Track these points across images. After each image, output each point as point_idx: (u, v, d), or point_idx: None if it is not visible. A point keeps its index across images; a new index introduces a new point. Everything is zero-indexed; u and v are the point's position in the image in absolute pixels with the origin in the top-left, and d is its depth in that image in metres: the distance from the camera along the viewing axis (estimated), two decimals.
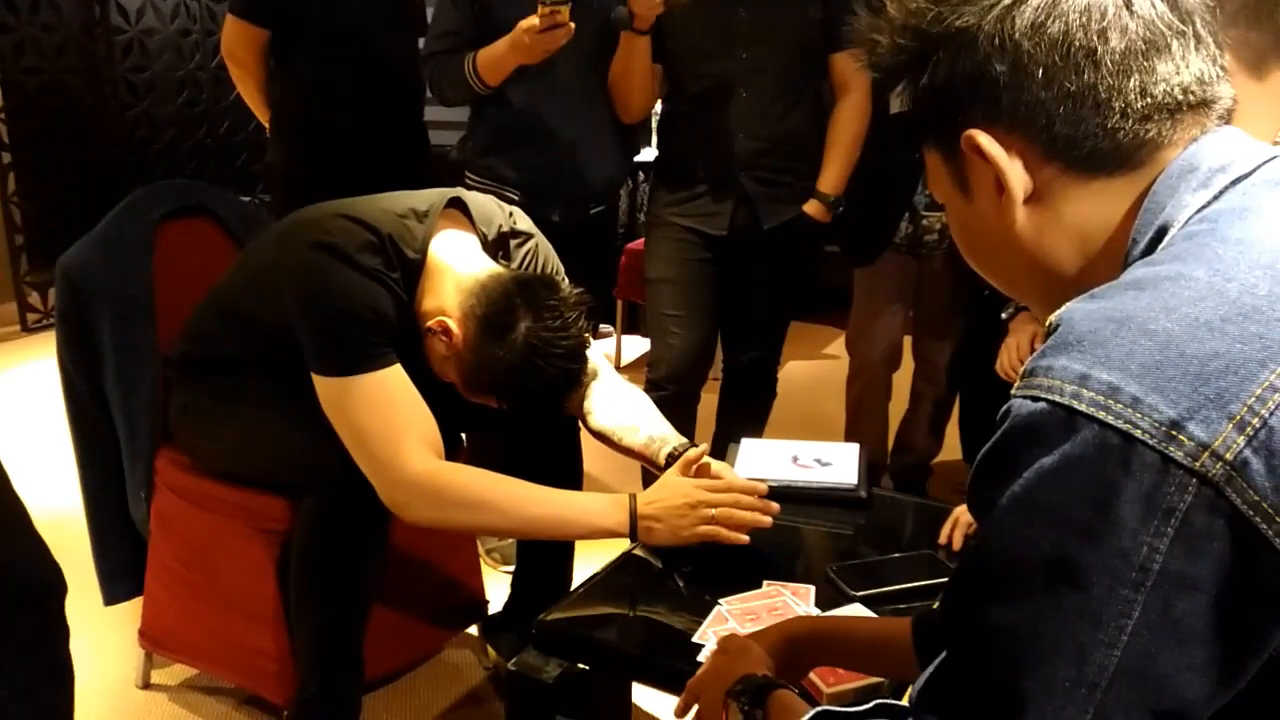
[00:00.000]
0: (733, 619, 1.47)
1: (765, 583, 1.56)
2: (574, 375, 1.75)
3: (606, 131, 2.64)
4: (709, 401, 2.94)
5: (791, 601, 1.52)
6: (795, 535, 1.77)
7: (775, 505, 1.68)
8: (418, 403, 1.73)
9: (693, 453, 1.74)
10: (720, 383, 2.89)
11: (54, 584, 1.44)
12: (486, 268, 1.79)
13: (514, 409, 1.78)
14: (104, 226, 2.14)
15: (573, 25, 2.32)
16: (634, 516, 1.65)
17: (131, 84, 5.01)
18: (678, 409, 2.63)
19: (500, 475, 1.74)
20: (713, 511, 1.63)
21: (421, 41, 2.78)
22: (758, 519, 1.65)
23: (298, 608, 1.83)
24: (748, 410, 2.84)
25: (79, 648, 1.48)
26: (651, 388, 2.66)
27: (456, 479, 1.72)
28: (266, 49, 2.86)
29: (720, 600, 1.51)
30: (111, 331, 2.05)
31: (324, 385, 1.73)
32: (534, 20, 2.31)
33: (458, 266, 1.78)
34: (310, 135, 2.86)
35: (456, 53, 2.52)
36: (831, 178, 2.59)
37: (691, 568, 1.63)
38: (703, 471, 1.72)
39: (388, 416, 1.70)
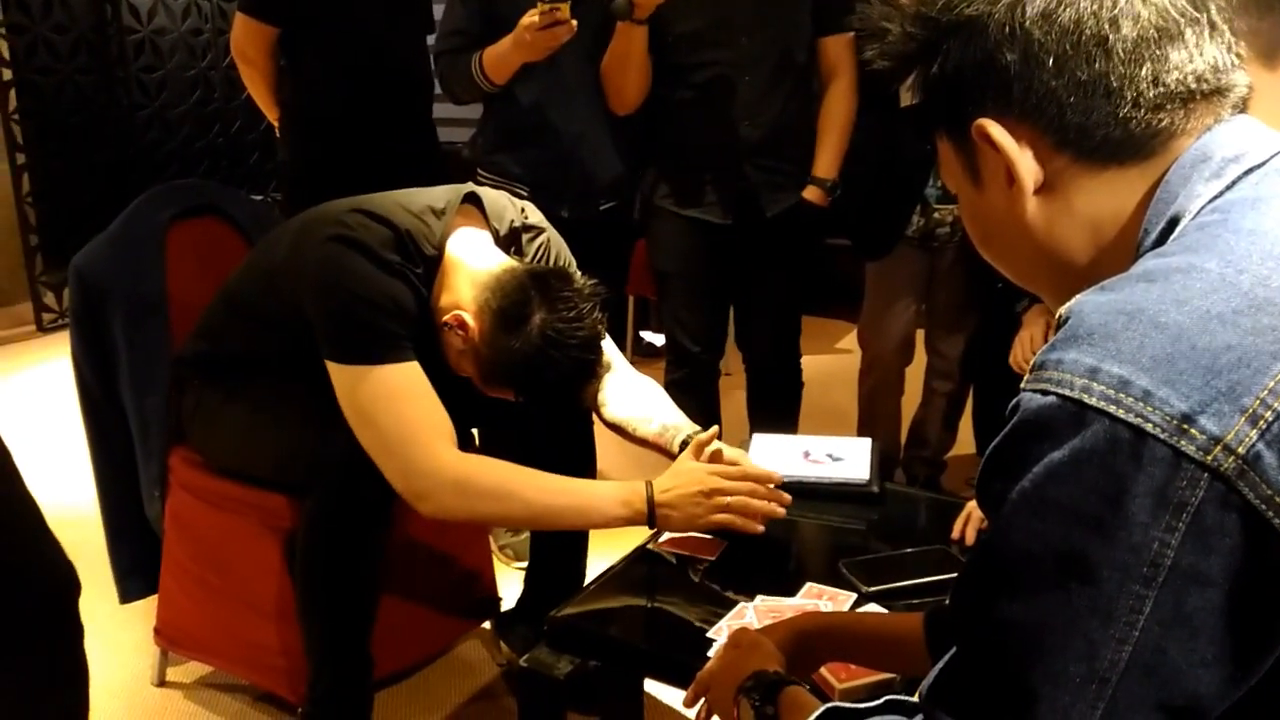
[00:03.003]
0: (754, 615, 1.46)
1: (808, 584, 1.54)
2: (589, 366, 1.75)
3: (613, 127, 2.63)
4: (736, 404, 2.94)
5: (825, 607, 1.49)
6: (807, 530, 1.77)
7: (788, 496, 1.68)
8: (435, 398, 1.73)
9: (703, 436, 1.73)
10: (746, 383, 2.89)
11: (68, 582, 1.44)
12: (501, 262, 1.79)
13: (531, 401, 1.78)
14: (117, 226, 2.15)
15: (574, 22, 2.32)
16: (651, 504, 1.65)
17: (143, 84, 5.03)
18: (700, 390, 2.70)
19: (519, 466, 1.73)
20: (728, 500, 1.63)
21: (431, 39, 2.78)
22: (772, 509, 1.65)
23: (303, 607, 1.83)
24: (775, 406, 2.84)
25: (94, 646, 1.48)
26: (673, 368, 2.73)
27: (481, 468, 1.72)
28: (276, 47, 2.86)
29: (746, 599, 1.50)
30: (125, 331, 2.06)
31: (341, 373, 1.71)
32: (534, 17, 2.31)
33: (472, 262, 1.78)
34: (320, 133, 2.86)
35: (464, 51, 2.52)
36: (826, 162, 2.60)
37: (707, 565, 1.63)
38: (716, 458, 1.72)
39: (412, 409, 1.70)
